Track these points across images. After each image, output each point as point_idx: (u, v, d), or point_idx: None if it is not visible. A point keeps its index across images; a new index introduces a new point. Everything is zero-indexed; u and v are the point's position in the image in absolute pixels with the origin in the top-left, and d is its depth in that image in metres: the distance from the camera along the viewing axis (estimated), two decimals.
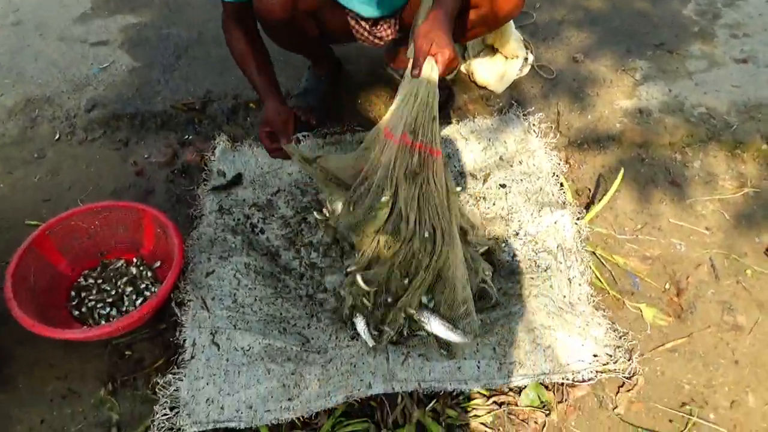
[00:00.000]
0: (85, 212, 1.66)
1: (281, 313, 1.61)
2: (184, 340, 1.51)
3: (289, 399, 1.41)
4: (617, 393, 1.52)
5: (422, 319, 1.48)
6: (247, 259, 1.69)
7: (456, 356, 1.50)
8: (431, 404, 1.46)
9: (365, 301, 1.51)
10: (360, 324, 1.50)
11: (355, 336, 1.54)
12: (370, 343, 1.49)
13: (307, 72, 2.25)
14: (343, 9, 1.86)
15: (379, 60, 2.28)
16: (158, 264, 1.72)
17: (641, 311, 1.68)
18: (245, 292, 1.62)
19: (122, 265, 1.73)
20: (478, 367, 1.49)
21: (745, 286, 1.76)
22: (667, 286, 1.74)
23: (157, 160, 2.07)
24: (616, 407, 1.50)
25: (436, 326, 1.49)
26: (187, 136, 2.14)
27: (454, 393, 1.48)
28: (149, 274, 1.70)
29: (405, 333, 1.55)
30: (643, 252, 1.83)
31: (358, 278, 1.47)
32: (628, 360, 1.54)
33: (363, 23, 1.89)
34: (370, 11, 1.83)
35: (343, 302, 1.57)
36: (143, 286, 1.67)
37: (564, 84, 2.32)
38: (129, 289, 1.67)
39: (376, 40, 1.93)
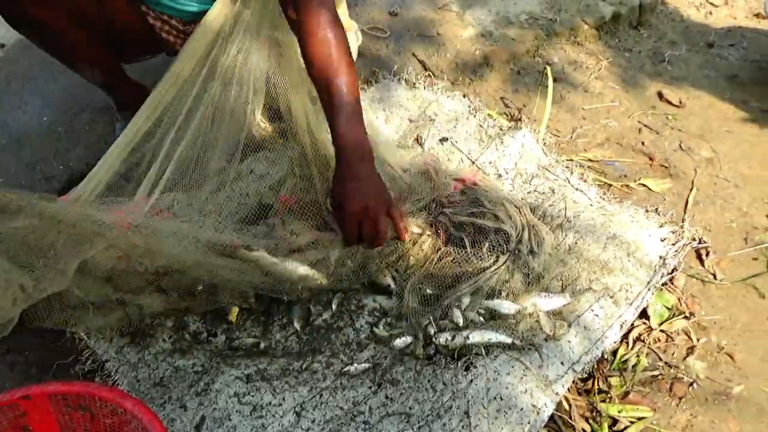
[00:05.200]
0: None
1: (345, 407, 1.05)
2: None
3: None
4: (702, 264, 1.38)
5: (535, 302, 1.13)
6: (236, 371, 1.07)
7: (571, 323, 1.17)
8: (592, 384, 1.11)
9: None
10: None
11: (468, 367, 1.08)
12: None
13: (116, 125, 1.61)
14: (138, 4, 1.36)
15: None
16: None
17: (647, 186, 1.58)
18: (276, 420, 1.01)
19: None
20: (597, 315, 1.19)
21: (679, 127, 1.82)
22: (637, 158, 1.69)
23: None
24: (714, 275, 1.36)
25: (543, 303, 1.15)
26: None
27: (602, 358, 1.15)
28: None
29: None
30: (594, 141, 1.75)
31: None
32: (682, 227, 1.42)
33: (174, 22, 1.40)
34: (191, 4, 1.36)
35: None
36: None
37: (404, 36, 2.13)
38: None
39: None
